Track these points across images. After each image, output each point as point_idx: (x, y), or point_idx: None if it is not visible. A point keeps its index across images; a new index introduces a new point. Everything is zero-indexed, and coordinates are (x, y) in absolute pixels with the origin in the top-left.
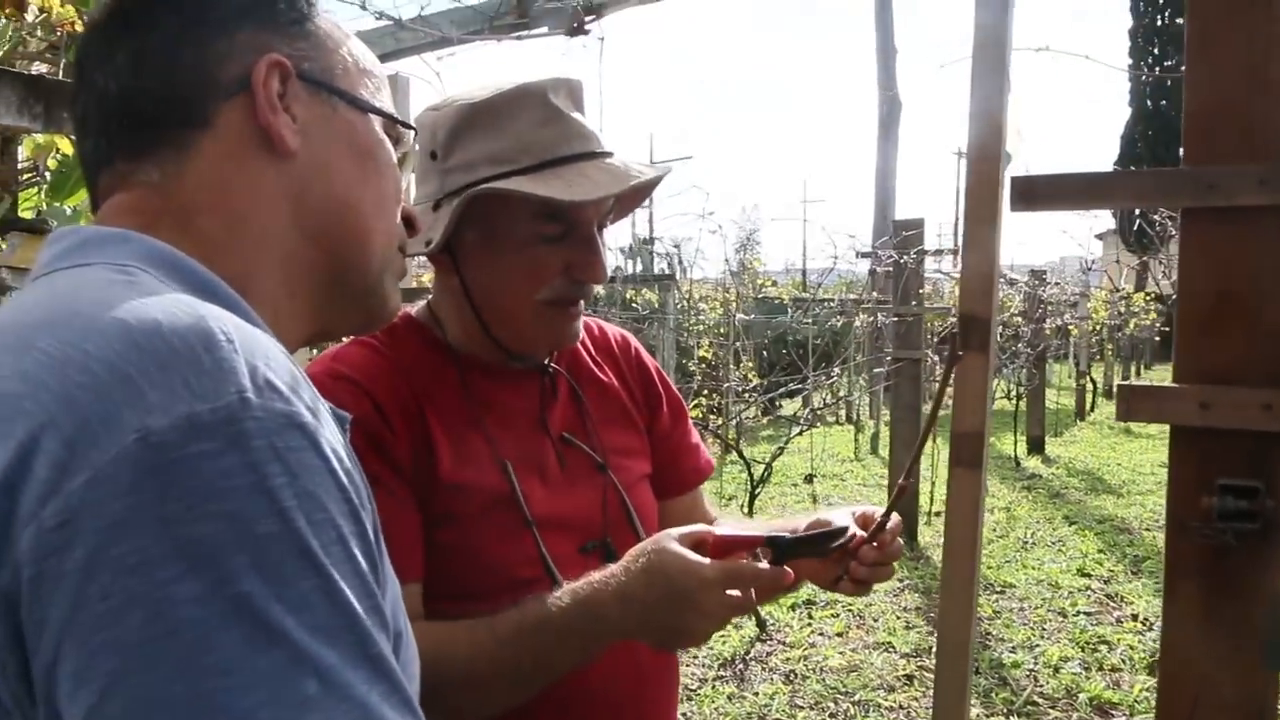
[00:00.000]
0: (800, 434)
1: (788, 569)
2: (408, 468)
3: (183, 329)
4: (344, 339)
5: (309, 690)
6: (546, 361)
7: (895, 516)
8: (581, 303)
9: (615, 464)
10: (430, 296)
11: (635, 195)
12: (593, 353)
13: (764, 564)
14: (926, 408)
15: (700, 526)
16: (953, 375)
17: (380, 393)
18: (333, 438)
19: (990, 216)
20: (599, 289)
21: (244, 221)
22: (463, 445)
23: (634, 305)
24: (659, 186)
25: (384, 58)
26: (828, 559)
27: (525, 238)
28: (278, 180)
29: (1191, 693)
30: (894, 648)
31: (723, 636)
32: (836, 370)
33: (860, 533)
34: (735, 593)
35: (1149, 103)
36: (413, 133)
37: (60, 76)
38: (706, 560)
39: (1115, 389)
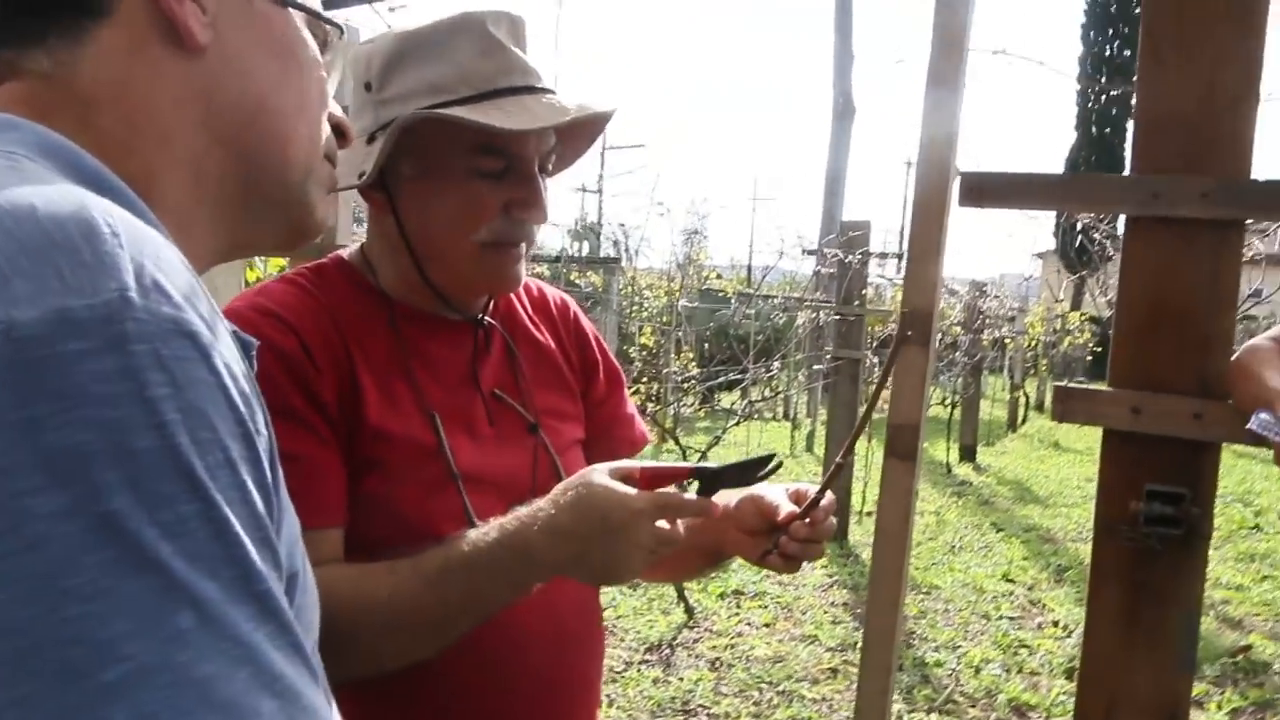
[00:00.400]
0: (736, 425)
1: (714, 501)
2: (333, 408)
3: (62, 216)
4: (273, 258)
5: (183, 624)
6: (481, 316)
7: (829, 494)
8: (523, 246)
9: (547, 426)
10: (364, 240)
11: (579, 141)
12: (530, 312)
13: (691, 495)
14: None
15: (627, 461)
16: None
17: (306, 330)
18: (229, 355)
19: (939, 211)
20: (542, 268)
21: (147, 120)
22: (390, 393)
23: (577, 285)
24: (608, 168)
25: (329, 4)
26: (759, 532)
27: (463, 172)
28: (185, 77)
29: (1109, 692)
30: (820, 640)
31: (650, 621)
32: (776, 365)
33: (794, 508)
34: (664, 524)
35: (1094, 129)
36: (340, 33)
37: None
38: (635, 491)
39: (1052, 390)
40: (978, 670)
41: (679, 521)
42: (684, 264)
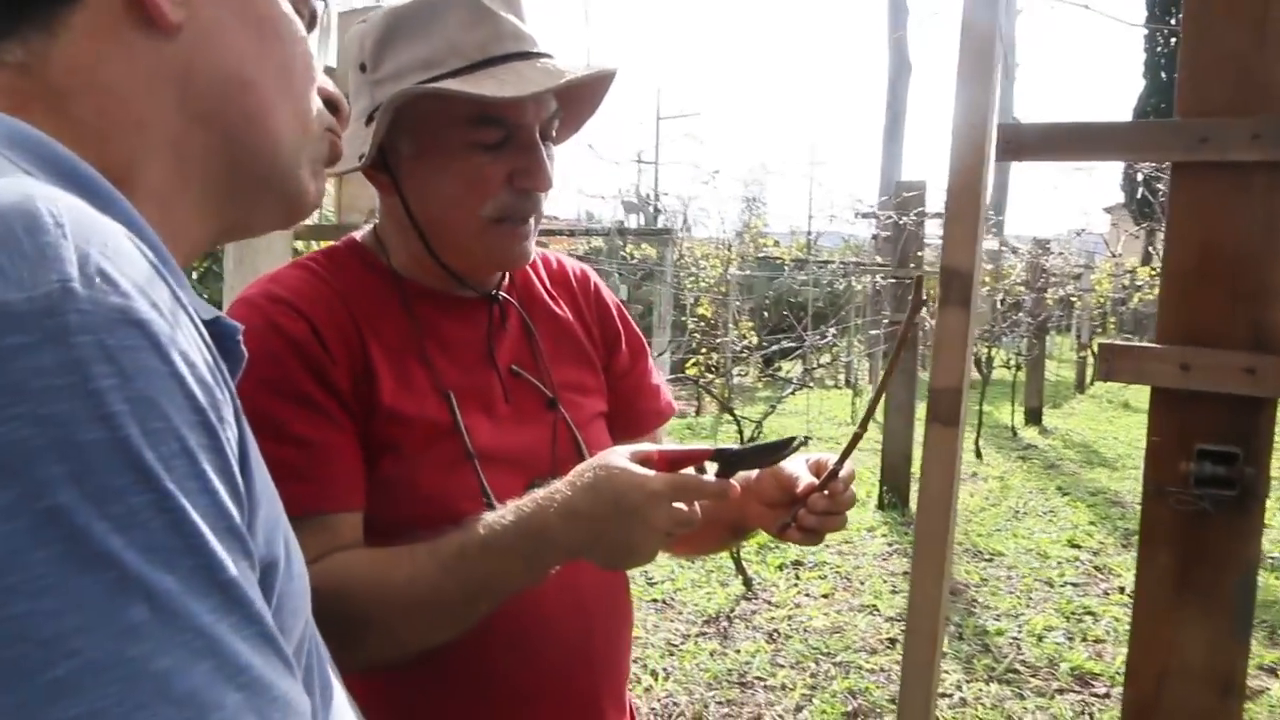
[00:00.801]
0: (793, 393)
1: (733, 482)
2: (347, 393)
3: (3, 209)
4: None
5: (136, 617)
6: (495, 292)
7: (849, 465)
8: (531, 221)
9: (566, 400)
10: (376, 221)
11: (584, 105)
12: (548, 285)
13: (710, 476)
14: (924, 373)
15: (646, 445)
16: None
17: (318, 316)
18: (186, 343)
19: (976, 167)
20: (598, 241)
21: (122, 105)
22: (405, 375)
23: (632, 259)
24: (663, 138)
25: None
26: (779, 504)
27: (461, 146)
28: (159, 58)
29: (1161, 660)
30: (879, 610)
31: (708, 593)
32: (833, 331)
33: (813, 480)
34: (682, 506)
35: (1162, 74)
36: (324, 5)
37: None
38: (652, 473)
39: (1097, 348)
40: (1040, 638)
41: (696, 503)
42: (741, 232)
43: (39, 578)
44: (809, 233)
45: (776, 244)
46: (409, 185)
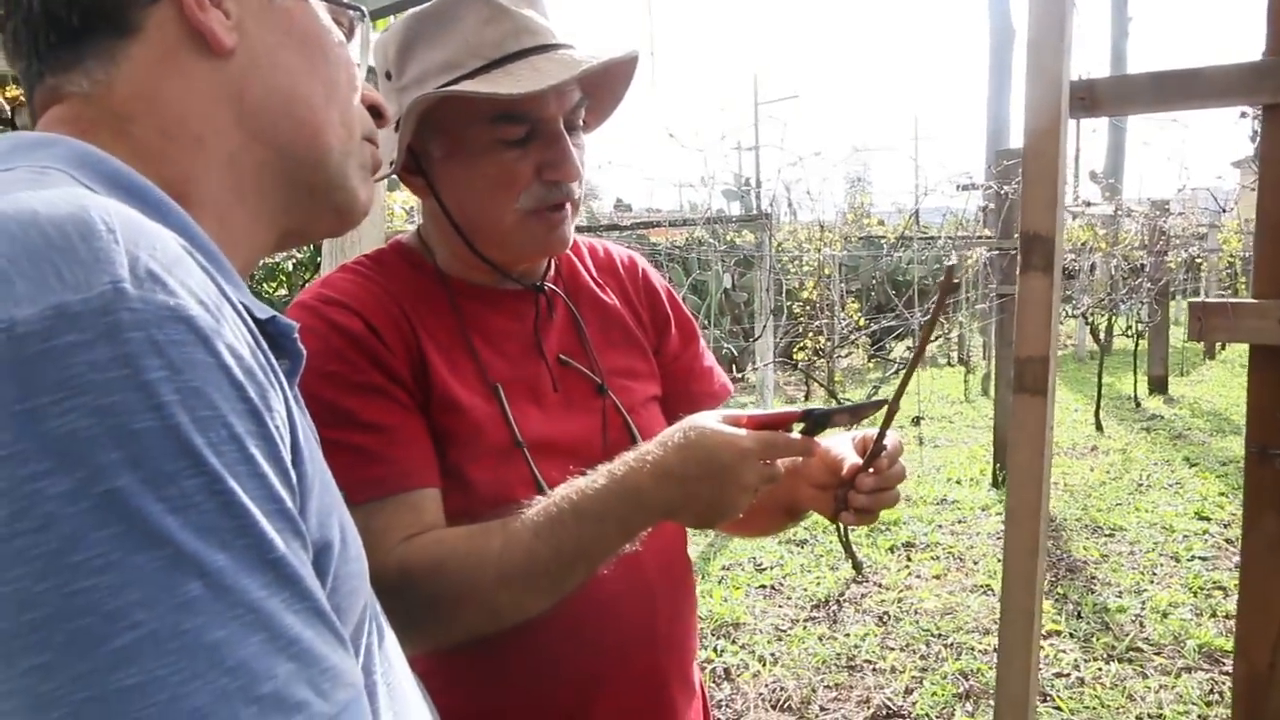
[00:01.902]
0: (897, 373)
1: (817, 440)
2: (409, 382)
3: (60, 218)
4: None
5: (192, 592)
6: (540, 282)
7: (893, 438)
8: (567, 207)
9: (616, 386)
10: (420, 223)
11: (610, 91)
12: (594, 273)
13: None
14: None
15: (733, 410)
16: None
17: (371, 312)
18: (232, 337)
19: (1052, 125)
20: (698, 230)
21: (180, 126)
22: (455, 368)
23: (733, 246)
24: (762, 124)
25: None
26: (828, 486)
27: (487, 145)
28: (214, 80)
29: (1273, 630)
30: (992, 590)
31: (817, 578)
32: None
33: (857, 460)
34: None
35: None
36: (362, 16)
37: None
38: (742, 431)
39: (1187, 306)
40: (1165, 615)
41: (779, 461)
42: (844, 213)
43: (100, 555)
44: (916, 210)
45: (881, 223)
46: (443, 186)
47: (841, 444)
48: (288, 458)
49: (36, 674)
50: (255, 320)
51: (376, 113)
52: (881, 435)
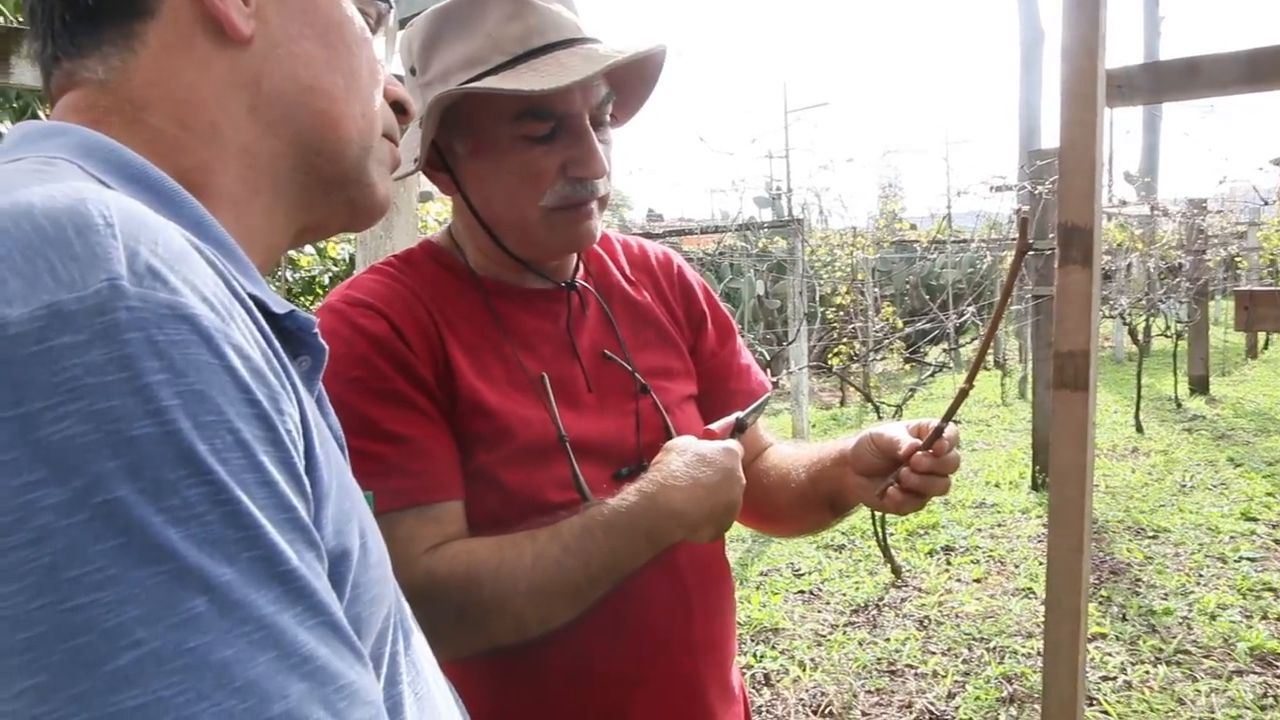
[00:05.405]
0: (933, 376)
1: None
2: (433, 387)
3: (55, 212)
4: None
5: (196, 608)
6: (571, 280)
7: (953, 425)
8: (594, 203)
9: (652, 385)
10: (450, 223)
11: (638, 86)
12: (626, 271)
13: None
14: None
15: (710, 426)
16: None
17: (397, 314)
18: (240, 337)
19: (1089, 115)
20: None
21: (195, 115)
22: (484, 369)
23: (765, 253)
24: (792, 130)
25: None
26: (879, 472)
27: (512, 141)
28: (232, 68)
29: None
30: (1034, 593)
31: (856, 583)
32: (970, 310)
33: (915, 441)
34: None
35: None
36: (389, 8)
37: None
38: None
39: (1234, 295)
40: (1213, 617)
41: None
42: (875, 218)
43: (98, 570)
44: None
45: (913, 227)
46: (469, 183)
47: (896, 429)
48: (301, 464)
49: (32, 695)
50: (273, 315)
51: (401, 108)
52: (948, 416)
